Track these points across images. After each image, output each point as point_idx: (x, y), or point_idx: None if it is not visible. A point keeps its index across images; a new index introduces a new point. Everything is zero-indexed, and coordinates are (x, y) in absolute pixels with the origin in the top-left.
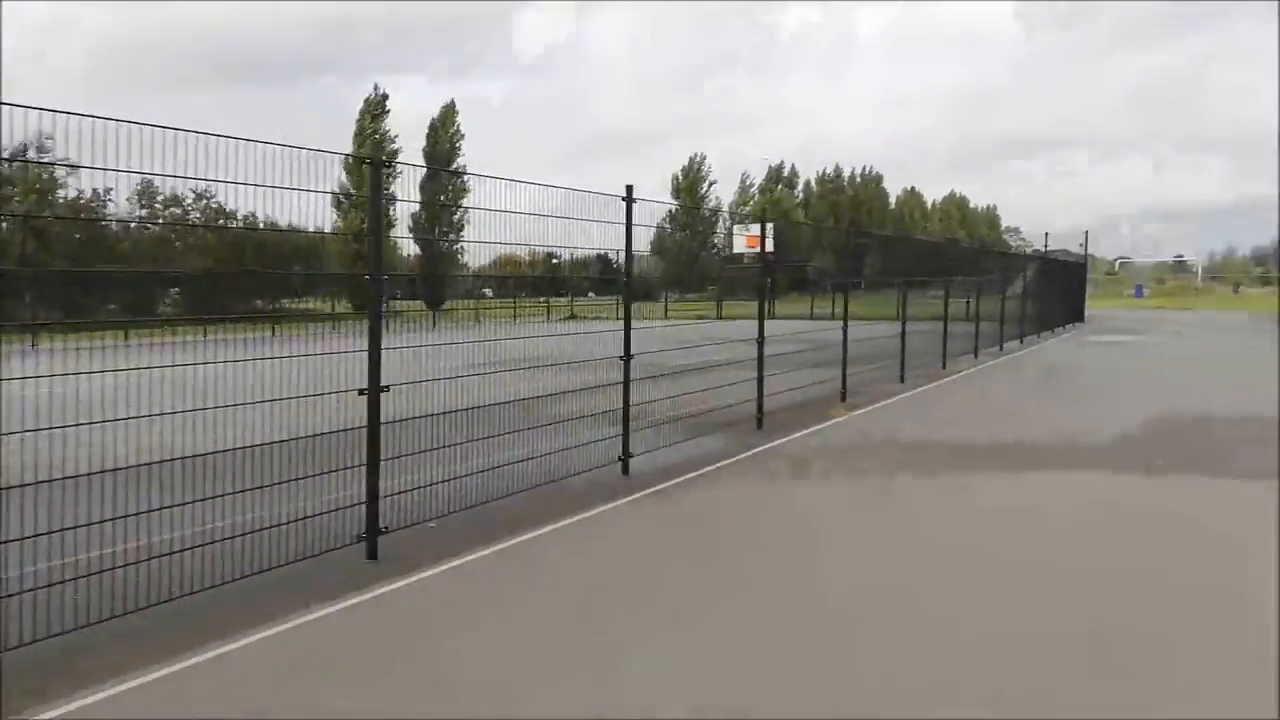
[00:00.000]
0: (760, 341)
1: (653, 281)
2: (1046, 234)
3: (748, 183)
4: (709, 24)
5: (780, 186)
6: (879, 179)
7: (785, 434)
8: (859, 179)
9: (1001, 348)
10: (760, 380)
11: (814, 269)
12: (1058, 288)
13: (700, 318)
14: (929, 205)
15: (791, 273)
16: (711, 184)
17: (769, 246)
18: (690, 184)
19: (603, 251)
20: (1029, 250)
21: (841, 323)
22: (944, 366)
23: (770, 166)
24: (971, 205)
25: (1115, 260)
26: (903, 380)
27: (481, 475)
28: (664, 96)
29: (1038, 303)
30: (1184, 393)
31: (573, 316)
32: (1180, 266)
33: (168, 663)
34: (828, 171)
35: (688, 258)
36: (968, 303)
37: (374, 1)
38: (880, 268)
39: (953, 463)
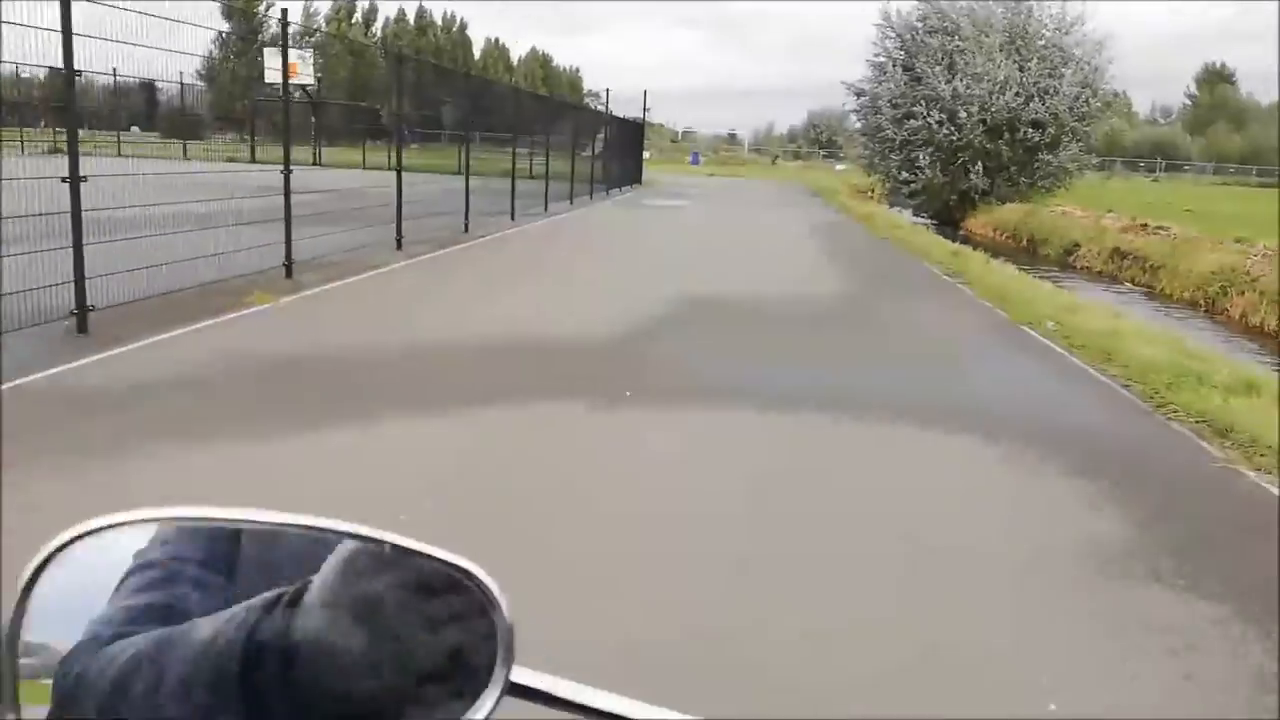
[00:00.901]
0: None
1: (204, 116)
2: (608, 90)
3: (312, 10)
4: None
5: (351, 19)
6: (464, 25)
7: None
8: (440, 25)
9: (573, 201)
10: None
11: (387, 114)
12: (620, 149)
13: (232, 159)
14: (514, 60)
15: (352, 116)
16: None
17: (307, 77)
18: None
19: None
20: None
21: (396, 174)
22: (513, 219)
23: None
24: (554, 64)
25: (681, 130)
26: (466, 230)
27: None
28: None
29: (603, 163)
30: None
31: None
32: (732, 139)
33: None
34: (404, 11)
35: (239, 88)
36: (546, 158)
37: None
38: (461, 118)
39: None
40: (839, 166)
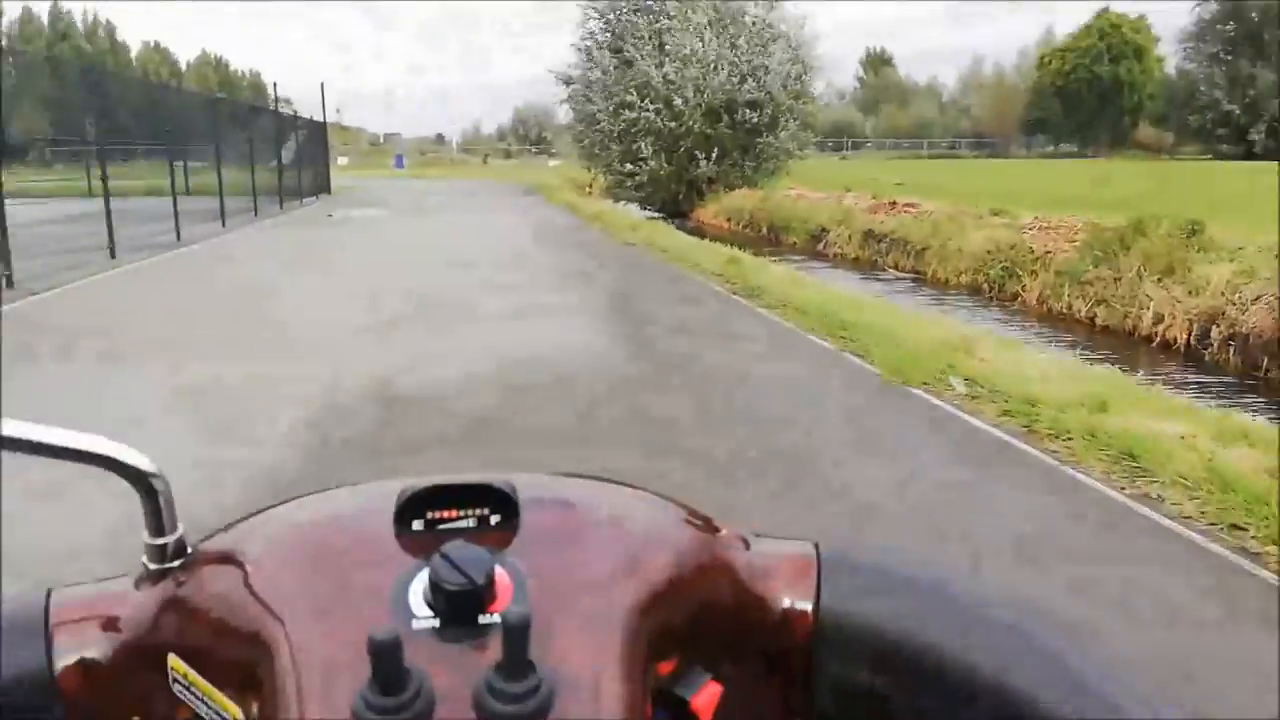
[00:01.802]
0: None
1: None
2: (275, 83)
3: None
4: None
5: None
6: (112, 29)
7: None
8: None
9: (224, 224)
10: None
11: None
12: (311, 156)
13: None
14: (182, 65)
15: None
16: None
17: None
18: None
19: None
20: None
21: None
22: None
23: None
24: (233, 69)
25: (383, 134)
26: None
27: None
28: None
29: (296, 172)
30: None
31: None
32: (440, 141)
33: None
34: (32, 12)
35: None
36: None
37: None
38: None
39: None
40: (553, 162)
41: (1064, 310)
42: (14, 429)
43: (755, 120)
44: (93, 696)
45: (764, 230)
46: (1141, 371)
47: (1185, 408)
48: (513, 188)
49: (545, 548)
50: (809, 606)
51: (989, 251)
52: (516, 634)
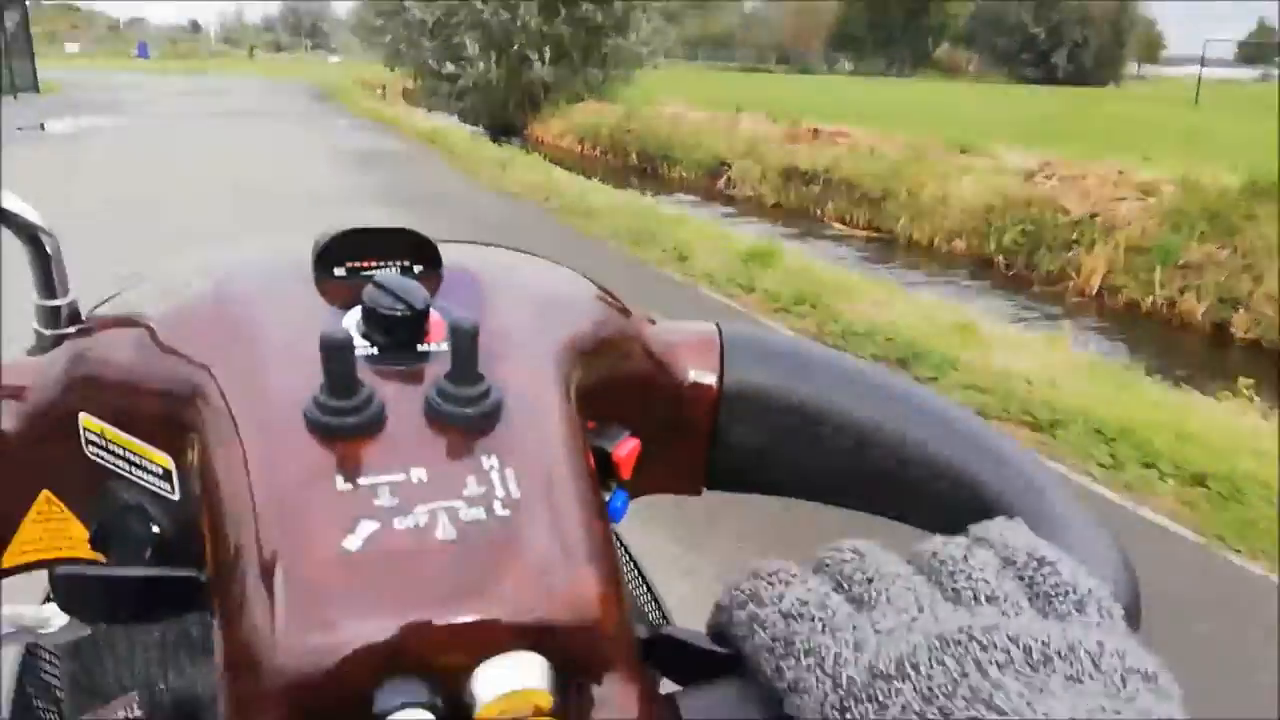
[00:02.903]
0: None
1: None
2: None
3: None
4: None
5: None
6: None
7: None
8: None
9: None
10: None
11: None
12: None
13: None
14: None
15: None
16: None
17: None
18: None
19: None
20: None
21: None
22: None
23: None
24: None
25: (124, 19)
26: None
27: None
28: None
29: None
30: None
31: None
32: (195, 29)
33: None
34: None
35: None
36: None
37: None
38: None
39: None
40: (334, 59)
41: (1159, 307)
42: None
43: (600, 18)
44: None
45: (631, 158)
46: None
47: None
48: (294, 89)
49: (469, 298)
50: (714, 379)
51: (991, 207)
52: (466, 340)
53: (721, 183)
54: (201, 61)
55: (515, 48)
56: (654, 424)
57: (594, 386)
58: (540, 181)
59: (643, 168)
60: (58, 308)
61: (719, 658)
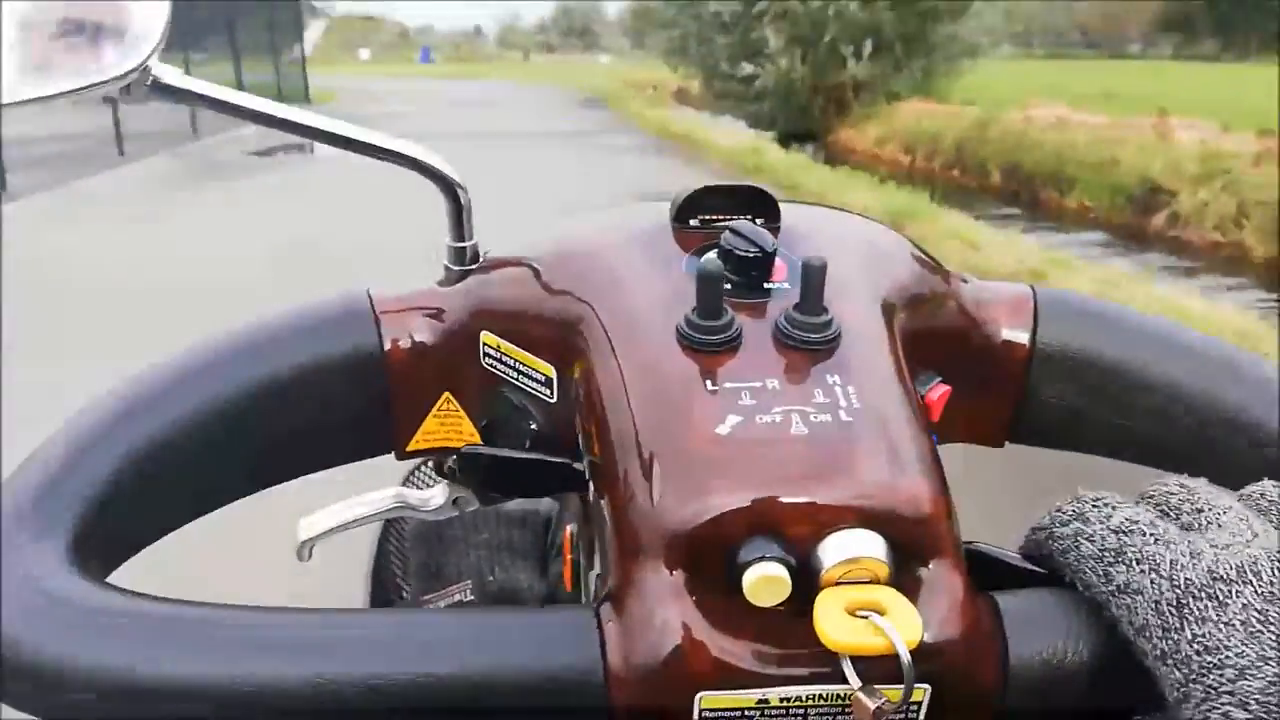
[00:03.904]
0: None
1: None
2: None
3: None
4: None
5: None
6: None
7: None
8: None
9: None
10: None
11: None
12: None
13: None
14: None
15: None
16: None
17: None
18: None
19: None
20: None
21: None
22: None
23: None
24: None
25: (414, 26)
26: None
27: None
28: None
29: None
30: None
31: None
32: (478, 34)
33: None
34: None
35: None
36: None
37: None
38: None
39: None
40: (603, 59)
41: None
42: (349, 130)
43: (934, 2)
44: (413, 371)
45: (992, 176)
46: None
47: None
48: (565, 95)
49: (805, 245)
50: (1026, 337)
51: None
52: (817, 275)
53: (1159, 219)
54: (478, 65)
55: (825, 40)
56: (963, 376)
57: (912, 334)
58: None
59: (1011, 190)
60: (464, 248)
61: (1030, 574)
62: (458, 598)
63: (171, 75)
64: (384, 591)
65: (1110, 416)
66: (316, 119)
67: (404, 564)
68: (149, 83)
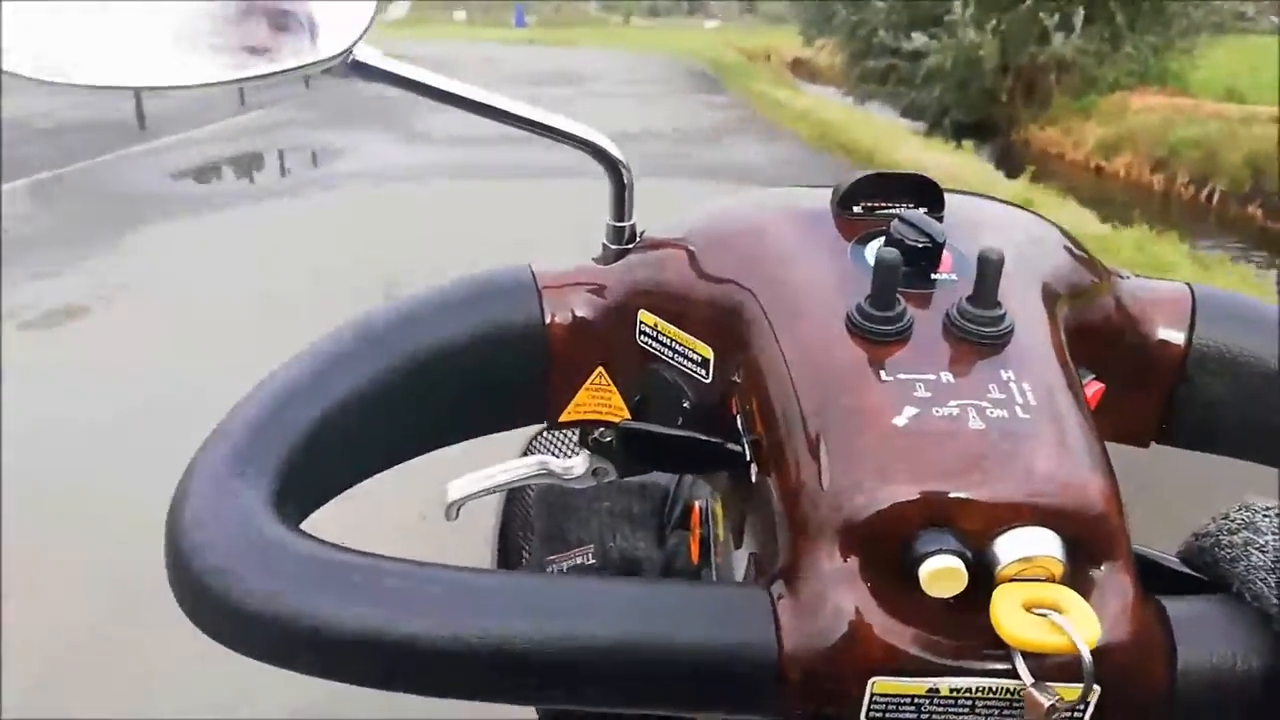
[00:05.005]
0: None
1: None
2: None
3: None
4: None
5: None
6: None
7: None
8: None
9: None
10: None
11: None
12: None
13: None
14: None
15: None
16: None
17: None
18: None
19: None
20: None
21: None
22: None
23: None
24: None
25: None
26: None
27: None
28: None
29: None
30: None
31: None
32: None
33: None
34: None
35: None
36: None
37: None
38: None
39: None
40: (710, 23)
41: None
42: (530, 112)
43: None
44: (571, 345)
45: None
46: None
47: None
48: (673, 67)
49: (969, 235)
50: (1182, 337)
51: None
52: (993, 267)
53: None
54: (574, 30)
55: (1023, 6)
56: (1115, 373)
57: (1070, 329)
58: None
59: None
60: (623, 227)
61: (1192, 580)
62: (579, 561)
63: (371, 56)
64: (508, 552)
65: (1265, 421)
66: (505, 101)
67: (525, 528)
68: (349, 62)
